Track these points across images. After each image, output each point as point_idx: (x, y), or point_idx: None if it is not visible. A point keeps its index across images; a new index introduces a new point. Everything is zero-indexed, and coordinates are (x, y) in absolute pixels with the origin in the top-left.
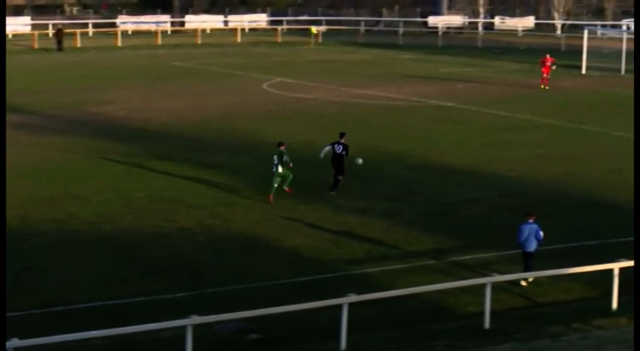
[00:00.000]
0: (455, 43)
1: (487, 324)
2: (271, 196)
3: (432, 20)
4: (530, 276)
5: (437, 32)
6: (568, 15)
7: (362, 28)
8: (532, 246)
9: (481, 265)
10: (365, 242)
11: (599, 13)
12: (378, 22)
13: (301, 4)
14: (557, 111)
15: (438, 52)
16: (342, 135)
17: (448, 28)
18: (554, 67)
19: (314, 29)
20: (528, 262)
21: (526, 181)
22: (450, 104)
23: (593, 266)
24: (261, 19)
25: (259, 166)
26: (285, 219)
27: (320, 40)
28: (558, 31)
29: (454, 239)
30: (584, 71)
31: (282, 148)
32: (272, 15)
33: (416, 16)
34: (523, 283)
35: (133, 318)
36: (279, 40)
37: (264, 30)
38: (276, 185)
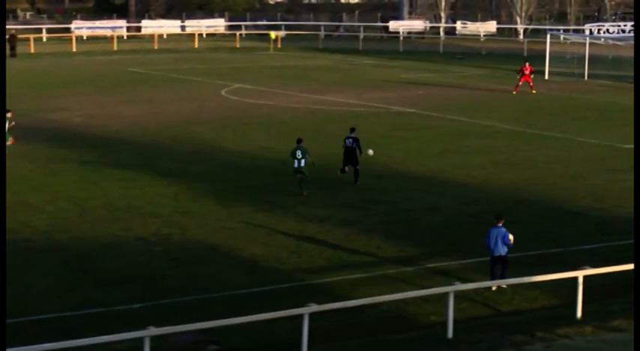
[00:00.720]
0: (416, 48)
1: (450, 333)
2: (304, 192)
3: (392, 25)
4: (494, 284)
5: (398, 37)
6: (530, 19)
7: (322, 33)
8: (500, 250)
9: (443, 273)
10: (325, 251)
11: (561, 17)
12: (338, 27)
13: (260, 9)
14: (518, 117)
15: (399, 58)
16: (352, 130)
17: (409, 33)
18: (532, 76)
19: (273, 34)
20: (495, 266)
21: (487, 187)
22: (412, 110)
23: (558, 274)
24: (219, 24)
25: (216, 174)
26: (243, 227)
27: (279, 45)
28: (520, 36)
29: (416, 247)
30: (546, 77)
31: (301, 144)
32: (230, 20)
33: (376, 21)
34: (494, 288)
35: (88, 330)
36: (238, 45)
37: (223, 35)
38: (301, 176)
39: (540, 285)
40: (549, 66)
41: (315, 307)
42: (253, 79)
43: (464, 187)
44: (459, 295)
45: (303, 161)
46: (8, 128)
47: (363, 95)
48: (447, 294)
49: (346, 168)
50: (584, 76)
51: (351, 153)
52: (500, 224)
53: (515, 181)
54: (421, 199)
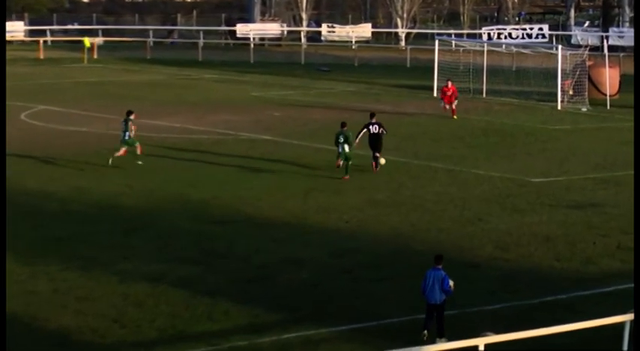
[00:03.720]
0: (271, 58)
1: None
2: (347, 176)
3: (241, 29)
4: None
5: (248, 45)
6: (414, 22)
7: (150, 39)
8: (437, 297)
9: (309, 344)
10: (157, 319)
11: (453, 19)
12: (171, 32)
13: (70, 9)
14: (400, 144)
15: (250, 71)
16: (372, 115)
17: (262, 39)
18: (456, 101)
19: (88, 41)
20: (429, 316)
21: (364, 235)
22: (266, 137)
23: (455, 343)
24: (16, 29)
25: (15, 222)
26: (50, 290)
27: (96, 55)
28: (402, 43)
29: (273, 312)
30: (435, 93)
31: (345, 128)
32: (31, 23)
33: (220, 24)
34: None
35: None
36: (42, 55)
37: (22, 42)
38: (344, 161)
39: None
40: (438, 80)
41: None
42: (62, 100)
43: (334, 235)
44: None
45: (347, 146)
46: (131, 134)
47: (205, 119)
48: None
49: (377, 154)
50: (481, 93)
51: (377, 139)
52: (440, 266)
53: (399, 226)
54: (280, 250)
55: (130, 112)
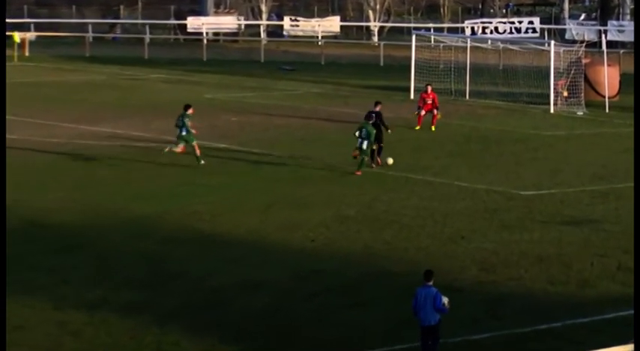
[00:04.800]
0: (227, 55)
1: None
2: (373, 165)
3: (192, 23)
4: None
5: (201, 40)
6: (389, 15)
7: (90, 34)
8: (430, 318)
9: None
10: None
11: (432, 12)
12: (113, 27)
13: None
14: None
15: (203, 70)
16: (376, 104)
17: (217, 34)
18: (437, 112)
19: (17, 37)
20: (425, 344)
21: (331, 254)
22: (222, 145)
23: None
24: None
25: None
26: None
27: (27, 52)
28: (375, 38)
29: (230, 342)
30: (412, 95)
31: (370, 121)
32: None
33: (169, 18)
34: None
35: None
36: None
37: None
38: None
39: None
40: (416, 80)
41: None
42: None
43: (298, 255)
44: None
45: (365, 143)
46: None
47: (152, 124)
48: None
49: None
50: (464, 95)
51: (377, 129)
52: (430, 283)
53: (372, 244)
54: (237, 272)
55: (187, 107)
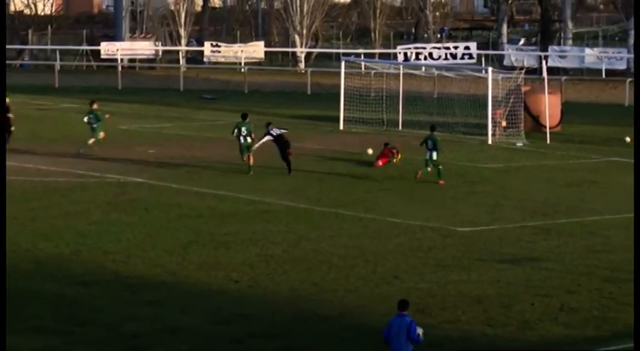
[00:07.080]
0: (143, 83)
1: None
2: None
3: (106, 49)
4: None
5: (115, 67)
6: (316, 40)
7: None
8: (403, 348)
9: None
10: None
11: (362, 36)
12: (21, 53)
13: None
14: (300, 188)
15: (118, 99)
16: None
17: (132, 60)
18: (397, 160)
19: None
20: None
21: (256, 297)
22: (138, 180)
23: None
24: None
25: None
26: None
27: None
28: (302, 65)
29: None
30: (342, 126)
31: (434, 132)
32: None
33: (81, 43)
34: None
35: None
36: None
37: None
38: (433, 167)
39: None
40: (345, 109)
41: None
42: None
43: (220, 298)
44: None
45: (435, 153)
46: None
47: (63, 158)
48: None
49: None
50: (397, 125)
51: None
52: (405, 312)
53: (299, 286)
54: (155, 317)
55: (245, 116)
